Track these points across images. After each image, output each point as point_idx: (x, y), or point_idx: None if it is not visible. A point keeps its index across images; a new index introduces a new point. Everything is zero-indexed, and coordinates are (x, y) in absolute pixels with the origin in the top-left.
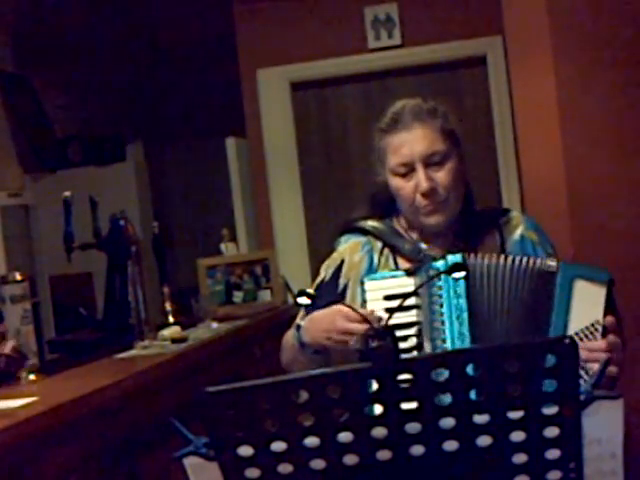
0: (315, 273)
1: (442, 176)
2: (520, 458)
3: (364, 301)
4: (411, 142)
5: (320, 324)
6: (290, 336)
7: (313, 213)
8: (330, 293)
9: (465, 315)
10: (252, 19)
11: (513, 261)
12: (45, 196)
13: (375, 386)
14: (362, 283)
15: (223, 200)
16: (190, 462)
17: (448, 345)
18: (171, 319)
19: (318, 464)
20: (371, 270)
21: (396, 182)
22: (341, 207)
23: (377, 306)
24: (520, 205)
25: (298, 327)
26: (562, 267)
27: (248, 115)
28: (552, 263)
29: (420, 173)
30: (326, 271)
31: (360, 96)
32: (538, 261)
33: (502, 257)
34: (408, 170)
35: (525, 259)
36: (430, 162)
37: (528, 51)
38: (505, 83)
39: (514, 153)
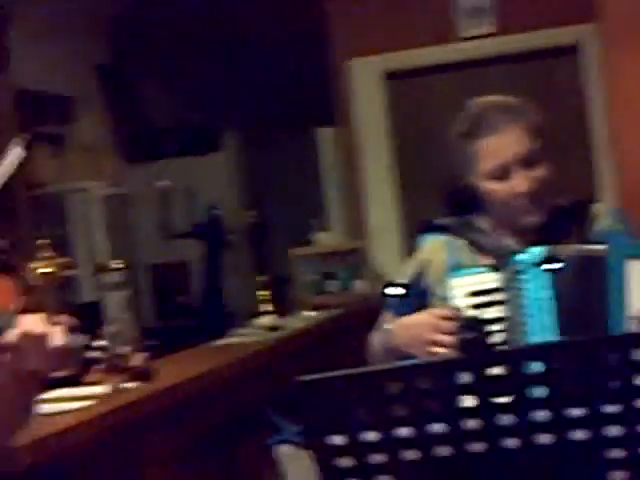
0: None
1: (538, 174)
2: (616, 453)
3: (450, 298)
4: (505, 144)
5: (408, 331)
6: (377, 338)
7: (407, 203)
8: (414, 292)
9: (552, 308)
10: (344, 9)
11: (567, 251)
12: (142, 186)
13: (466, 378)
14: (447, 280)
15: (317, 190)
16: (283, 450)
17: (537, 339)
18: (266, 308)
19: (410, 455)
20: (455, 268)
21: (491, 185)
22: (435, 196)
23: (463, 303)
24: (616, 196)
25: (385, 331)
26: (612, 250)
27: (340, 105)
28: (599, 247)
29: (518, 174)
30: (409, 270)
31: (454, 85)
32: (585, 248)
33: (576, 248)
34: (503, 172)
35: (574, 247)
36: (525, 162)
37: (622, 39)
38: (597, 72)
39: (608, 144)
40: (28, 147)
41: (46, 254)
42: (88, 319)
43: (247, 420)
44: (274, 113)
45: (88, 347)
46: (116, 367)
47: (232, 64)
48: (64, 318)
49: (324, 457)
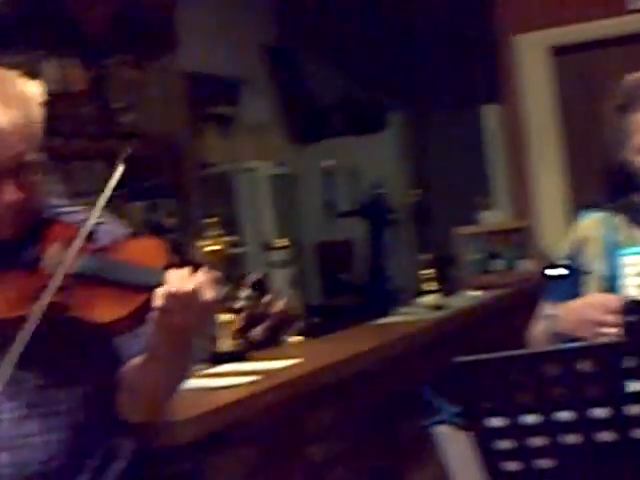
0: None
1: None
2: None
3: (619, 277)
4: None
5: (575, 313)
6: (538, 327)
7: (574, 180)
8: (572, 271)
9: None
10: None
11: None
12: (308, 165)
13: (632, 362)
14: (616, 258)
15: (482, 168)
16: (440, 431)
17: None
18: (430, 287)
19: (571, 439)
20: (614, 246)
21: None
22: (602, 174)
23: (635, 282)
24: None
25: (548, 317)
26: None
27: (505, 82)
28: None
29: None
30: (567, 248)
31: (622, 59)
32: None
33: None
34: None
35: None
36: None
37: None
38: None
39: None
40: (127, 160)
41: (214, 232)
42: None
43: (407, 399)
44: (439, 91)
45: (234, 297)
46: (259, 314)
47: (397, 42)
48: (206, 270)
49: (483, 439)
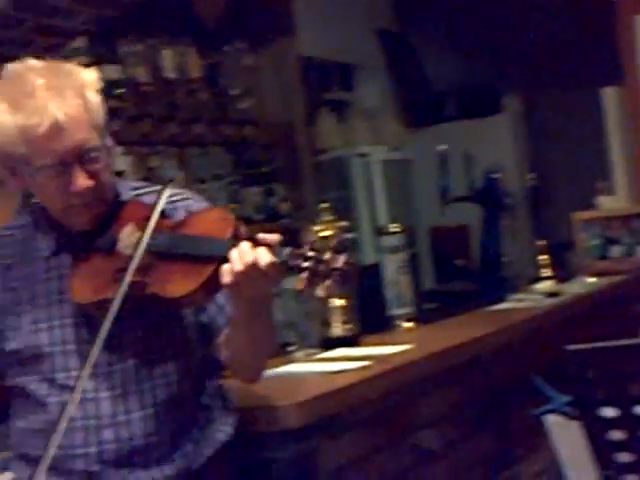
0: None
1: None
2: None
3: None
4: None
5: None
6: None
7: None
8: None
9: None
10: None
11: None
12: (422, 150)
13: None
14: None
15: (600, 152)
16: (551, 420)
17: None
18: (546, 273)
19: None
20: None
21: None
22: None
23: None
24: None
25: None
26: None
27: (626, 63)
28: None
29: None
30: None
31: None
32: None
33: None
34: None
35: None
36: None
37: None
38: None
39: None
40: (170, 186)
41: (327, 217)
42: (369, 280)
43: (519, 387)
44: (556, 73)
45: (298, 255)
46: (320, 271)
47: (513, 24)
48: (264, 237)
49: (595, 429)
